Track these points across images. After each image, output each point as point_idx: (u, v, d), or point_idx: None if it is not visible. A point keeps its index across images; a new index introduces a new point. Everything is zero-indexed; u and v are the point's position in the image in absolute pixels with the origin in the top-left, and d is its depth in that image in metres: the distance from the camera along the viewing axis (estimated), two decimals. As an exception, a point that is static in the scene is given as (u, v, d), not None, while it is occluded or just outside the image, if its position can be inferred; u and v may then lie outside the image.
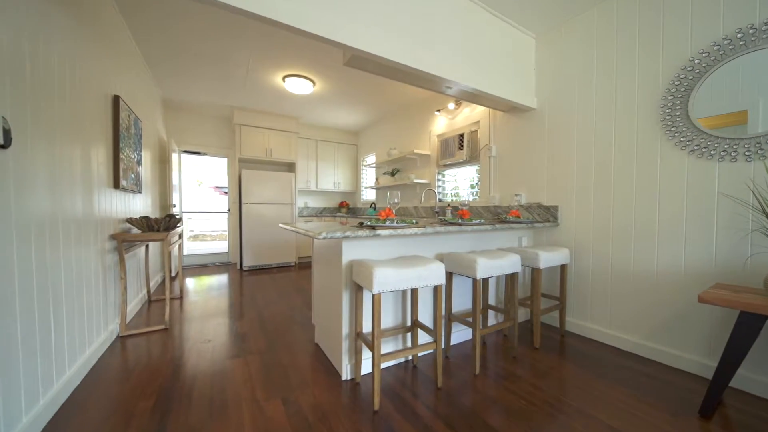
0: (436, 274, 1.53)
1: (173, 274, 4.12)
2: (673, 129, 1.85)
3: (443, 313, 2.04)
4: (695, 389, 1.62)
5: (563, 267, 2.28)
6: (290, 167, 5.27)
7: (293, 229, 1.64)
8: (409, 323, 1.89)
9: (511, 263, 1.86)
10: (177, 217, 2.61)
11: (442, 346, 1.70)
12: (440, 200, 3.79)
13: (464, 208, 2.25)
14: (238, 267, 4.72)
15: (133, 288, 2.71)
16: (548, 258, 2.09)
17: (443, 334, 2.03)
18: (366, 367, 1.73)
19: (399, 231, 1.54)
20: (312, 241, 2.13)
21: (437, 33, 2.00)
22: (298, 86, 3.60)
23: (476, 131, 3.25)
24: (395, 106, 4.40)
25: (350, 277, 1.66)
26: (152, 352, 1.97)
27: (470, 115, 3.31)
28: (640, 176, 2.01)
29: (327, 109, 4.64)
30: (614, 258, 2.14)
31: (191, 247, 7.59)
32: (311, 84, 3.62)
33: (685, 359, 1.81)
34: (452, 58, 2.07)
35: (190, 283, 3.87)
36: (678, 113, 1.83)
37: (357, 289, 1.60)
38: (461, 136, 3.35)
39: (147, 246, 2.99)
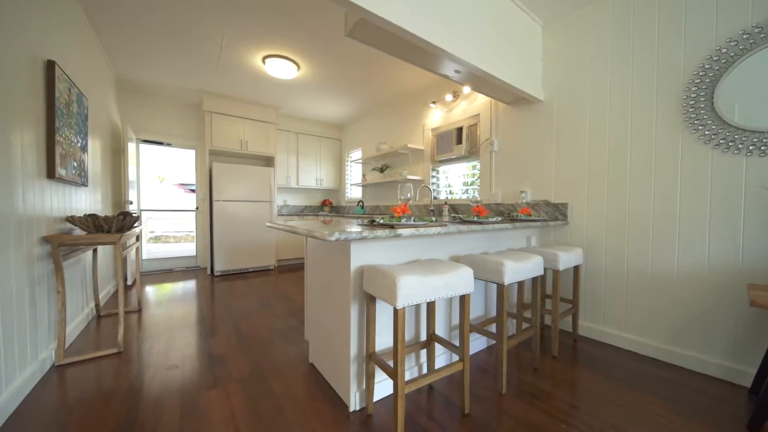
0: (465, 282, 1.29)
1: (129, 283, 3.56)
2: (696, 122, 1.75)
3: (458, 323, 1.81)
4: (728, 397, 1.52)
5: (576, 268, 2.14)
6: (268, 161, 4.82)
7: (290, 229, 1.32)
8: (424, 337, 1.63)
9: (535, 266, 1.67)
10: (134, 215, 2.16)
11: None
12: (435, 198, 3.58)
13: (479, 204, 2.04)
14: (209, 272, 4.22)
15: (76, 302, 2.22)
16: (567, 259, 1.93)
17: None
18: (379, 393, 1.45)
19: (422, 230, 1.28)
20: (305, 243, 1.81)
21: (451, 8, 1.76)
22: (281, 69, 3.22)
23: (476, 125, 3.07)
24: (386, 97, 4.14)
25: (360, 287, 1.37)
26: (100, 386, 1.55)
27: (469, 107, 3.13)
28: (659, 171, 1.90)
29: (311, 99, 4.27)
30: (630, 257, 2.03)
31: (152, 250, 6.80)
32: (295, 67, 3.25)
33: (709, 363, 1.72)
34: (465, 36, 1.84)
35: (151, 292, 3.34)
36: (702, 105, 1.73)
37: (369, 301, 1.32)
38: (460, 129, 3.15)
39: (95, 250, 2.49)
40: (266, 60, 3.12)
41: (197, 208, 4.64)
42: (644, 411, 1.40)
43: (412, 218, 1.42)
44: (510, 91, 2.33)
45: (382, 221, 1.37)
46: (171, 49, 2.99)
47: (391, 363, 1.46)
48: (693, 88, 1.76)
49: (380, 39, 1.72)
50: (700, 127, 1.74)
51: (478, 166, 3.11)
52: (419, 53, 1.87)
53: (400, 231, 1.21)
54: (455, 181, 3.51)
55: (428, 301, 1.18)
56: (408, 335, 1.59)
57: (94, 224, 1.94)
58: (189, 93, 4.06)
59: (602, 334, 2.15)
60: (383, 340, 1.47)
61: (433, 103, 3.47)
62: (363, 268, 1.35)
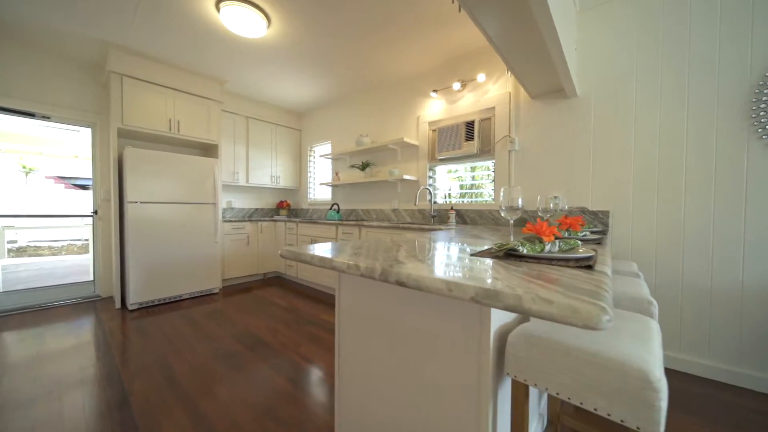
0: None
1: (-33, 337, 2.16)
2: None
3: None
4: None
5: (629, 285, 1.90)
6: (208, 150, 3.69)
7: (454, 293, 0.64)
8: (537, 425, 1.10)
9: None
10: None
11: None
12: (435, 202, 3.10)
13: (570, 215, 1.60)
14: (118, 305, 2.94)
15: None
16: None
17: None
18: None
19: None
20: (339, 279, 1.11)
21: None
22: (244, 22, 2.32)
23: (490, 119, 2.69)
24: (372, 81, 3.49)
25: (500, 367, 0.77)
26: None
27: (480, 100, 2.73)
28: (720, 179, 1.76)
29: (274, 73, 3.35)
30: (686, 271, 1.86)
31: (14, 270, 4.72)
32: (265, 23, 2.39)
33: (783, 386, 1.61)
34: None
35: (14, 353, 2.06)
36: (775, 109, 1.62)
37: (519, 394, 0.73)
38: (470, 124, 2.74)
39: None
40: (222, 5, 2.20)
41: (95, 212, 3.25)
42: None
43: (558, 243, 0.88)
44: (554, 72, 1.93)
45: (525, 251, 0.80)
46: (54, -42, 1.84)
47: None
48: (765, 90, 1.64)
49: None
50: (772, 133, 1.63)
51: (491, 167, 2.75)
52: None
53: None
54: (444, 184, 3.11)
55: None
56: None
57: None
58: (85, 43, 2.74)
59: (654, 357, 1.95)
60: (508, 442, 0.89)
61: (435, 91, 2.99)
62: (507, 334, 0.76)
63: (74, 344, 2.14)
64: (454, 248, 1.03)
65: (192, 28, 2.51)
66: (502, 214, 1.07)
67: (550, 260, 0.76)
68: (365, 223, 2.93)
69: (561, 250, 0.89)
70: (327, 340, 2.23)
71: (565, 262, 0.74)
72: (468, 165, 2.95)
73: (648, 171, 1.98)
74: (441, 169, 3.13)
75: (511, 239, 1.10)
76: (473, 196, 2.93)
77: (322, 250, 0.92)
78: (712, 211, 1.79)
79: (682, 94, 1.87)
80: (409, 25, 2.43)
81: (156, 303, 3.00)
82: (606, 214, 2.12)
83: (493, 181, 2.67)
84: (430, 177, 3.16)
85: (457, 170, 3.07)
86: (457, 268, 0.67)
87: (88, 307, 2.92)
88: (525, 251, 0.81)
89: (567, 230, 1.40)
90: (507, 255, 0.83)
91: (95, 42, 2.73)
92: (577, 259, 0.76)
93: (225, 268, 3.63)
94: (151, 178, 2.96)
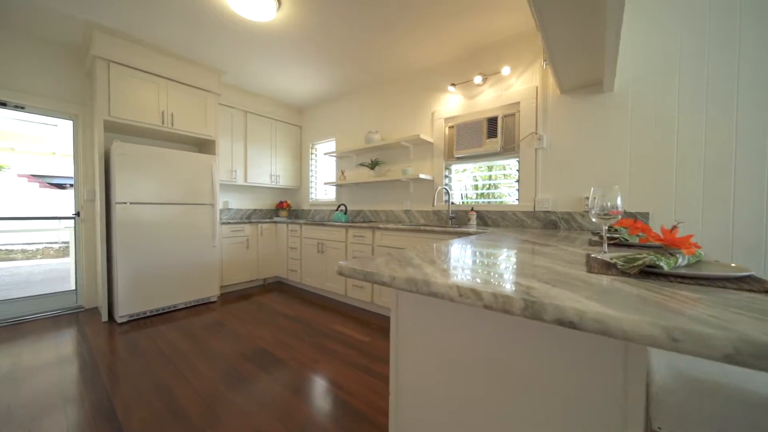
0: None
1: (-76, 361, 1.85)
2: (828, 123, 1.54)
3: None
4: None
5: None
6: (204, 147, 3.41)
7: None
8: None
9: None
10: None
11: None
12: (452, 203, 2.94)
13: (621, 216, 1.45)
14: (105, 317, 2.64)
15: None
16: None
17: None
18: None
19: None
20: (396, 298, 0.91)
21: None
22: (253, 2, 2.08)
23: (514, 115, 2.54)
24: (381, 74, 3.29)
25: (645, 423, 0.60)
26: None
27: (503, 94, 2.58)
28: (774, 180, 1.66)
29: (277, 64, 3.11)
30: (735, 278, 1.75)
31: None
32: (275, 4, 2.16)
33: None
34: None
35: (-19, 376, 1.76)
36: (837, 104, 1.53)
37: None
38: (493, 120, 2.58)
39: None
40: (229, -19, 1.96)
41: (77, 214, 2.94)
42: None
43: (687, 258, 0.72)
44: (600, 62, 1.78)
45: (666, 267, 0.63)
46: None
47: None
48: (827, 85, 1.54)
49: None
50: (834, 130, 1.53)
51: (511, 166, 2.60)
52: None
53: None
54: (460, 183, 2.97)
55: None
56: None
57: None
58: (66, 24, 2.44)
59: (701, 368, 1.84)
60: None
61: (453, 85, 2.82)
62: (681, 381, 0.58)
63: (56, 366, 1.85)
64: (541, 260, 0.85)
65: (192, 10, 2.26)
66: (593, 220, 0.90)
67: (708, 279, 0.59)
68: (380, 225, 2.73)
69: (689, 264, 0.73)
70: (344, 354, 2.02)
71: (733, 283, 0.57)
72: (484, 164, 2.80)
73: (692, 171, 1.86)
74: (457, 168, 2.97)
75: (605, 248, 0.93)
76: (492, 196, 2.78)
77: (391, 266, 0.73)
78: (765, 216, 1.68)
79: (731, 87, 1.75)
80: (431, 11, 2.25)
81: (148, 314, 2.71)
82: (645, 216, 2.00)
83: (518, 180, 2.52)
84: (446, 176, 2.99)
85: (465, 170, 2.92)
86: (618, 297, 0.49)
87: (70, 321, 2.61)
88: (666, 268, 0.64)
89: (640, 235, 1.25)
90: (642, 272, 0.65)
91: (78, 22, 2.43)
92: (738, 279, 0.59)
93: (225, 274, 3.36)
94: (142, 177, 2.67)
